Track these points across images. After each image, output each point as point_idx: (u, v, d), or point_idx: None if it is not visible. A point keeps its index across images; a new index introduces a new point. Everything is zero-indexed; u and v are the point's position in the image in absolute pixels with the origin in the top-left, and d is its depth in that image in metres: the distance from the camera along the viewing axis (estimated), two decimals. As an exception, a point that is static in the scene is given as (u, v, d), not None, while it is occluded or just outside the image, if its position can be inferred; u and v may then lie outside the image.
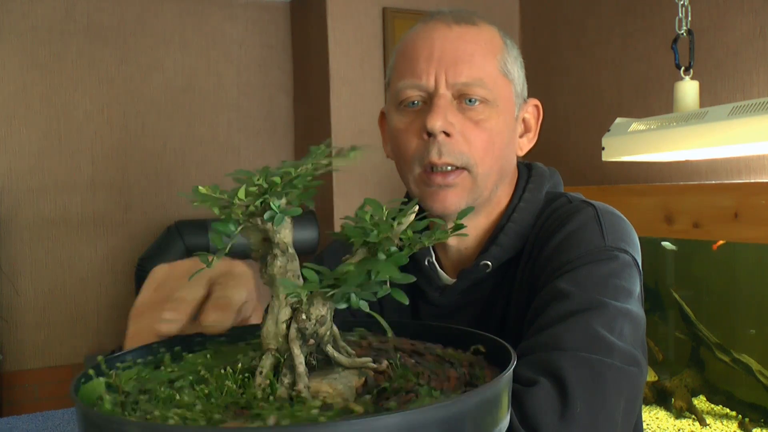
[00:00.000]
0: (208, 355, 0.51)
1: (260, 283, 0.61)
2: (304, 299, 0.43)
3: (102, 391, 0.43)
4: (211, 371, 0.46)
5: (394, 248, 0.43)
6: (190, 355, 0.52)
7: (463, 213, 0.48)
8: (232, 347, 0.54)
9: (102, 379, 0.44)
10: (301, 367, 0.41)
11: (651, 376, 2.19)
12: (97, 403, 0.42)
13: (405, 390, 0.42)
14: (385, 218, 0.44)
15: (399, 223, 0.43)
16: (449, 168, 0.83)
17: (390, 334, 0.50)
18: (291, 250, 0.46)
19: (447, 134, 0.82)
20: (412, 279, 0.42)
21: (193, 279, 0.56)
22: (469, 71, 0.82)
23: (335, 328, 0.46)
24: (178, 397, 0.41)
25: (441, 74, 0.82)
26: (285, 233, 0.45)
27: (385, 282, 0.41)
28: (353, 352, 0.47)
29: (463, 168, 0.83)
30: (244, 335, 0.57)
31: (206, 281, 0.58)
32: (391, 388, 0.42)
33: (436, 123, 0.80)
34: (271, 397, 0.40)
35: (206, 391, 0.42)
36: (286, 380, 0.42)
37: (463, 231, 0.46)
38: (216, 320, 0.54)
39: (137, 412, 0.39)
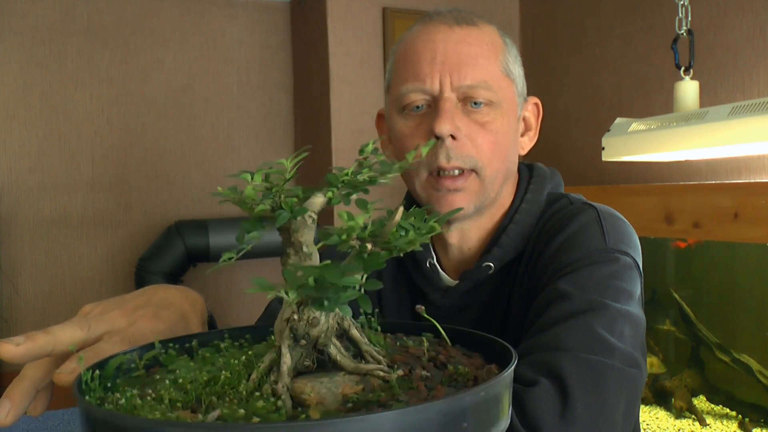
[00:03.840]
0: (227, 349, 0.52)
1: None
2: (301, 300, 0.43)
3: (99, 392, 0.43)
4: (228, 364, 0.46)
5: (374, 249, 0.42)
6: (224, 345, 0.53)
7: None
8: (257, 344, 0.55)
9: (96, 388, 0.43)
10: (284, 367, 0.42)
11: (661, 369, 2.18)
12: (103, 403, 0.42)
13: (382, 404, 0.40)
14: (367, 220, 0.44)
15: (386, 224, 0.43)
16: (457, 172, 0.83)
17: (447, 340, 0.50)
18: (307, 249, 0.46)
19: (454, 138, 0.81)
20: (379, 285, 0.39)
21: (83, 321, 0.55)
22: (473, 74, 0.82)
23: (356, 331, 0.46)
24: (173, 393, 0.41)
25: (445, 77, 0.82)
26: (302, 232, 0.45)
27: (352, 287, 0.39)
28: (380, 356, 0.46)
29: (471, 170, 0.83)
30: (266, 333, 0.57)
31: (104, 328, 0.57)
32: (376, 401, 0.41)
33: (444, 127, 0.80)
34: (257, 393, 0.41)
35: (205, 378, 0.42)
36: (272, 378, 0.42)
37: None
38: (71, 369, 0.50)
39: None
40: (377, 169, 0.45)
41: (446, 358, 0.49)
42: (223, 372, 0.44)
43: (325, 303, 0.39)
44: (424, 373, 0.46)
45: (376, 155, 0.46)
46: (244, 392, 0.41)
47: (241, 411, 0.37)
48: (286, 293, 0.39)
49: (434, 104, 0.83)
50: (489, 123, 0.83)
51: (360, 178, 0.44)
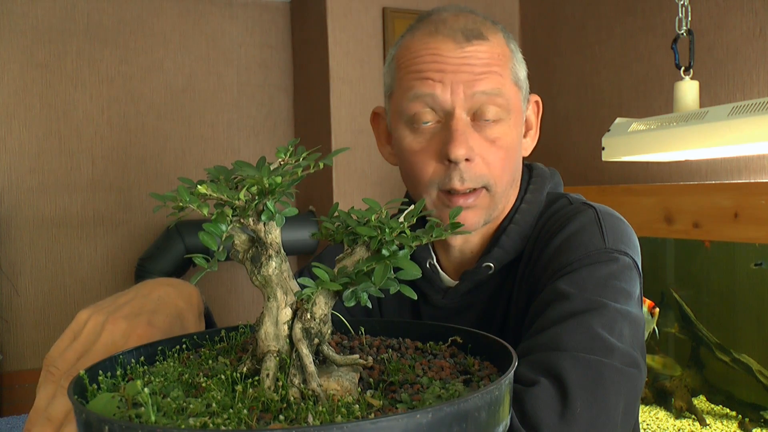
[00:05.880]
0: (176, 364, 0.50)
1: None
2: (314, 299, 0.43)
3: (114, 406, 0.41)
4: (194, 379, 0.45)
5: (394, 246, 0.43)
6: (157, 365, 0.51)
7: (456, 212, 0.49)
8: (196, 354, 0.54)
9: (114, 395, 0.42)
10: (312, 367, 0.42)
11: (675, 370, 2.18)
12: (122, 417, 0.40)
13: (409, 382, 0.43)
14: (385, 217, 0.45)
15: (405, 223, 0.44)
16: (469, 190, 0.83)
17: (361, 332, 0.51)
18: (282, 251, 0.46)
19: (468, 159, 0.81)
20: (420, 274, 0.43)
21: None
22: (486, 80, 0.80)
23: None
24: (191, 406, 0.39)
25: (457, 87, 0.80)
26: (276, 234, 0.45)
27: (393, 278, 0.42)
28: (335, 350, 0.48)
29: (483, 187, 0.83)
30: (201, 341, 0.57)
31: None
32: (397, 381, 0.43)
33: (460, 152, 0.79)
34: (293, 398, 0.40)
35: (218, 397, 0.40)
36: (296, 380, 0.42)
37: (463, 229, 0.46)
38: None
39: (157, 424, 0.38)
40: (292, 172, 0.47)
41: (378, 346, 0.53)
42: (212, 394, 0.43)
43: (363, 294, 0.42)
44: (396, 354, 0.50)
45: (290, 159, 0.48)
46: (271, 401, 0.40)
47: (309, 417, 0.37)
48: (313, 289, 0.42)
49: (444, 120, 0.81)
50: (499, 139, 0.82)
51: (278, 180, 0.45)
